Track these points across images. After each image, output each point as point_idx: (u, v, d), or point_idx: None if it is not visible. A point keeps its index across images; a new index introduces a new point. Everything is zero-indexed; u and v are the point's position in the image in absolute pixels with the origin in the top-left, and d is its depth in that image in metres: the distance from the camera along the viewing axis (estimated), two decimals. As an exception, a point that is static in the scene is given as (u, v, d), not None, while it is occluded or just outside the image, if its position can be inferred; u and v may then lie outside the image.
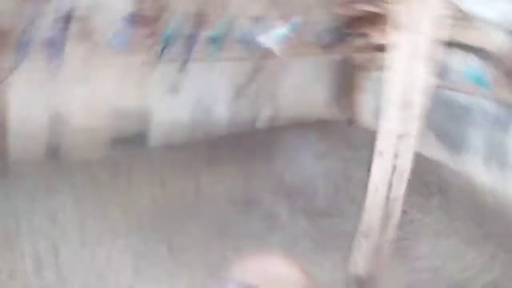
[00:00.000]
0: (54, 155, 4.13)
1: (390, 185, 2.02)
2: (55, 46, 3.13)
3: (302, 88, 5.23)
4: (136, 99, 4.34)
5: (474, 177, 3.91)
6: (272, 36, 3.59)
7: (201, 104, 4.71)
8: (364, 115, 5.22)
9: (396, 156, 2.05)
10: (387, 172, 2.07)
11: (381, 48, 4.36)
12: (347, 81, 5.19)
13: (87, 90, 4.04)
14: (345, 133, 5.07)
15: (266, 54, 3.73)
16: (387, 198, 2.01)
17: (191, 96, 4.63)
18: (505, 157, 3.67)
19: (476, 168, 3.92)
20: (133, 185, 3.69)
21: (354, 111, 5.28)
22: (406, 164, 2.03)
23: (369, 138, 4.75)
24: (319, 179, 3.79)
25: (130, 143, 4.43)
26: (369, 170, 2.15)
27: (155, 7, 4.07)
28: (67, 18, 3.45)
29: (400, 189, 2.04)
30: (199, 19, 3.92)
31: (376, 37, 4.60)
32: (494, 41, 3.24)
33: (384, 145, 2.12)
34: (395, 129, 2.04)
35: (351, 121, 5.30)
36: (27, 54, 3.01)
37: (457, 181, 3.93)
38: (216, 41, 3.51)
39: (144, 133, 4.51)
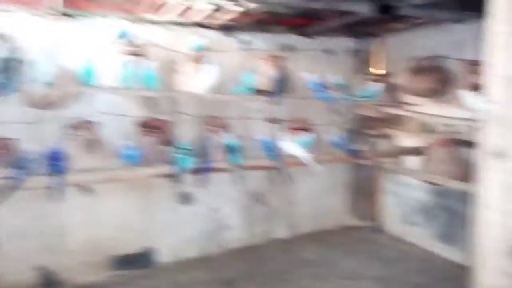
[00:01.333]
0: (49, 280, 3.59)
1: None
2: (59, 159, 2.79)
3: (321, 194, 4.86)
4: (143, 212, 3.94)
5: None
6: (297, 143, 3.31)
7: (215, 214, 4.29)
8: (389, 221, 4.77)
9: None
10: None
11: (404, 151, 4.13)
12: (367, 185, 4.84)
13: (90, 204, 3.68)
14: (372, 243, 4.56)
15: (287, 161, 3.42)
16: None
17: (203, 207, 4.23)
18: None
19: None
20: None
21: (377, 218, 4.84)
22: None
23: (400, 249, 4.35)
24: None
25: (135, 262, 3.92)
26: None
27: (168, 113, 3.90)
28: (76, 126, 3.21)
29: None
30: (213, 125, 3.69)
31: (399, 139, 4.38)
32: None
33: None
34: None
35: (375, 228, 4.83)
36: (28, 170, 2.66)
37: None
38: (233, 149, 3.22)
39: (150, 250, 4.01)
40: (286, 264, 4.05)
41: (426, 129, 3.99)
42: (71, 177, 2.86)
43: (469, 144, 3.43)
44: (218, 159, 3.26)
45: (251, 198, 4.47)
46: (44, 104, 2.96)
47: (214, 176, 4.04)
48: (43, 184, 2.81)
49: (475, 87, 3.01)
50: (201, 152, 3.16)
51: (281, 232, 4.69)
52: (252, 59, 4.17)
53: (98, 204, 3.72)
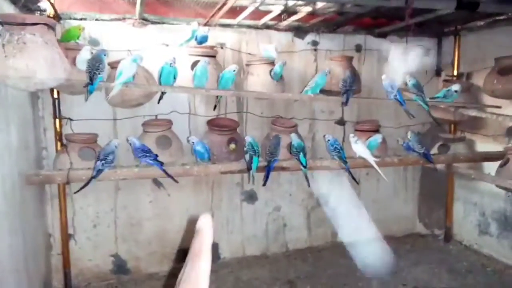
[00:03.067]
0: (120, 268, 3.83)
1: None
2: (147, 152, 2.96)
3: (387, 198, 4.70)
4: (208, 208, 4.06)
5: None
6: (365, 145, 3.24)
7: (277, 214, 4.32)
8: (461, 230, 4.49)
9: None
10: None
11: (482, 156, 3.87)
12: (439, 191, 4.60)
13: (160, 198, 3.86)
14: (441, 253, 4.33)
15: (354, 163, 3.35)
16: None
17: (266, 206, 4.28)
18: None
19: None
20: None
21: (448, 226, 4.57)
22: None
23: (471, 260, 4.09)
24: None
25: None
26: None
27: (237, 112, 4.00)
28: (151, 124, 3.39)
29: None
30: (280, 125, 3.72)
31: (477, 143, 4.14)
32: None
33: None
34: None
35: (446, 237, 4.57)
36: (107, 163, 2.85)
37: None
38: (299, 149, 3.21)
39: (215, 245, 4.12)
40: (348, 268, 3.96)
41: (508, 133, 3.72)
42: (145, 172, 3.02)
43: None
44: (284, 159, 3.27)
45: (315, 199, 4.44)
46: (124, 102, 3.16)
47: (279, 176, 4.11)
48: (119, 177, 3.00)
49: None
50: (268, 151, 3.19)
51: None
52: (322, 60, 4.16)
53: (168, 198, 3.90)
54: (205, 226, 0.48)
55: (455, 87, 3.31)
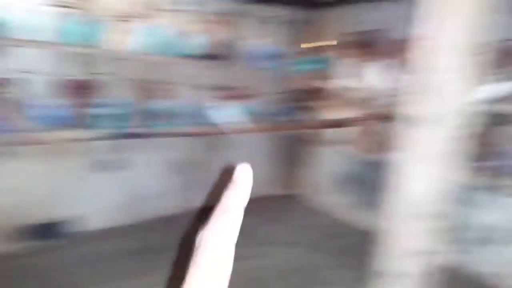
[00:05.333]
0: None
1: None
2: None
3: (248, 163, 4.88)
4: (56, 179, 3.62)
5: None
6: (225, 111, 3.25)
7: (133, 183, 4.10)
8: (310, 191, 5.01)
9: (422, 276, 1.73)
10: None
11: (328, 123, 4.29)
12: (293, 156, 4.99)
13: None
14: (291, 212, 4.76)
15: (214, 129, 3.36)
16: None
17: (121, 175, 4.02)
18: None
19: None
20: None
21: (300, 188, 5.04)
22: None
23: (317, 217, 4.58)
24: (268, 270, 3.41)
25: (43, 232, 3.62)
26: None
27: (92, 73, 3.57)
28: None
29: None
30: (142, 88, 3.48)
31: (325, 112, 4.53)
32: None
33: (401, 264, 1.76)
34: (419, 246, 1.72)
35: (297, 198, 5.04)
36: None
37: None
38: (158, 114, 3.08)
39: (61, 221, 3.73)
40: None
41: (352, 102, 4.13)
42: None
43: (390, 116, 3.68)
44: (141, 125, 3.08)
45: (174, 167, 4.34)
46: None
47: (136, 143, 3.88)
48: None
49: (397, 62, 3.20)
50: (126, 116, 2.96)
51: (201, 201, 4.64)
52: (193, 21, 3.93)
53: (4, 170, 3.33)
54: (242, 177, 0.36)
55: (312, 58, 3.51)
